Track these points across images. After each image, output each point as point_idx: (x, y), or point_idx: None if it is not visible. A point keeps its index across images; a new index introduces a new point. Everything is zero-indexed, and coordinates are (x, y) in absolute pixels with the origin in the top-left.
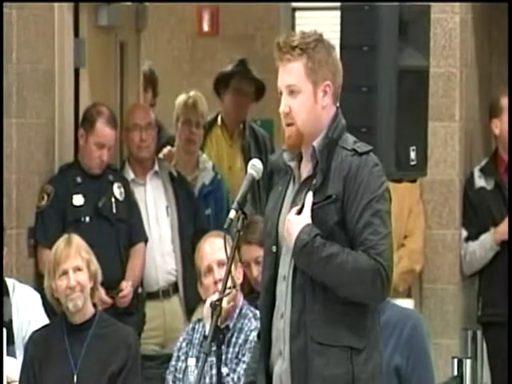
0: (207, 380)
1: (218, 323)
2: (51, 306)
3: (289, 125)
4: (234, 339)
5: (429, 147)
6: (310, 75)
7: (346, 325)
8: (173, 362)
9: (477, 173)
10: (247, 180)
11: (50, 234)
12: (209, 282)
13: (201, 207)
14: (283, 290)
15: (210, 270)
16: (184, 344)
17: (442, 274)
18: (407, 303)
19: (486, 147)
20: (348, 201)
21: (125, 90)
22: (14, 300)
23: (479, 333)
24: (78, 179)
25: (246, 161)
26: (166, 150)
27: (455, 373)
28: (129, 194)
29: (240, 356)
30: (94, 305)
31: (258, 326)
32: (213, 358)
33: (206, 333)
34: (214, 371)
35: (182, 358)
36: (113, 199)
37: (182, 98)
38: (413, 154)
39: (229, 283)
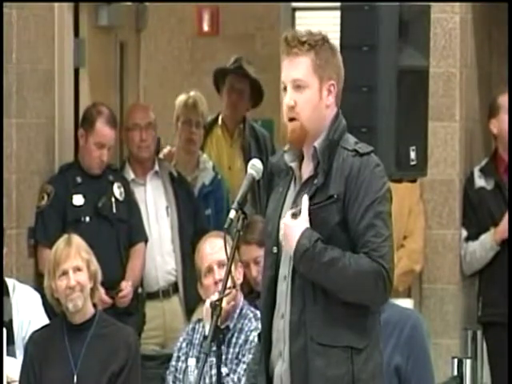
0: (207, 380)
1: (218, 323)
2: (51, 306)
3: (291, 119)
4: (234, 339)
5: (429, 147)
6: (317, 71)
7: (346, 325)
8: (173, 362)
9: (477, 173)
10: (247, 180)
11: (50, 234)
12: (209, 282)
13: (201, 207)
14: (283, 290)
15: (210, 270)
16: (184, 344)
17: (441, 274)
18: (407, 303)
19: (486, 147)
20: (350, 201)
21: (125, 90)
22: (14, 300)
23: (479, 333)
24: (78, 179)
25: (246, 161)
26: (166, 149)
27: (455, 373)
28: (129, 193)
29: (240, 356)
30: (94, 305)
31: (259, 326)
32: (213, 358)
33: (206, 333)
34: (214, 371)
35: (182, 358)
36: (113, 199)
37: (182, 97)
38: (413, 154)
39: (229, 283)
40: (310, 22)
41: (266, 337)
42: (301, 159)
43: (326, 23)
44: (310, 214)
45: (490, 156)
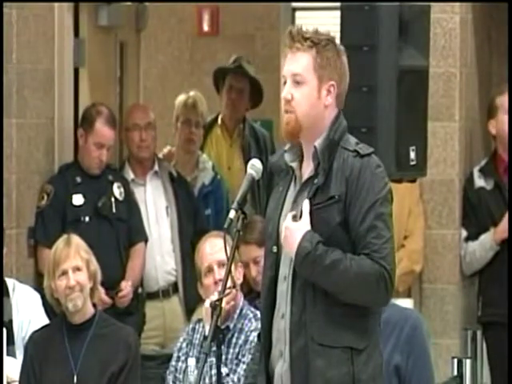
0: (207, 380)
1: (218, 323)
2: (51, 306)
3: (287, 112)
4: (234, 340)
5: (429, 147)
6: (317, 70)
7: (346, 325)
8: (173, 363)
9: (476, 173)
10: (247, 180)
11: (49, 234)
12: (209, 282)
13: (201, 207)
14: (284, 290)
15: (210, 270)
16: (184, 344)
17: (441, 274)
18: (407, 303)
19: (486, 147)
20: (351, 202)
21: (125, 90)
22: (14, 300)
23: (479, 333)
24: (78, 179)
25: (246, 161)
26: (166, 149)
27: (455, 373)
28: (129, 193)
29: (240, 357)
30: (94, 305)
31: (259, 326)
32: (213, 359)
33: (206, 333)
34: (214, 371)
35: (182, 358)
36: (113, 199)
37: (181, 97)
38: (413, 154)
39: (229, 283)
40: (310, 22)
41: (266, 337)
42: (301, 159)
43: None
44: (310, 215)
45: (490, 156)
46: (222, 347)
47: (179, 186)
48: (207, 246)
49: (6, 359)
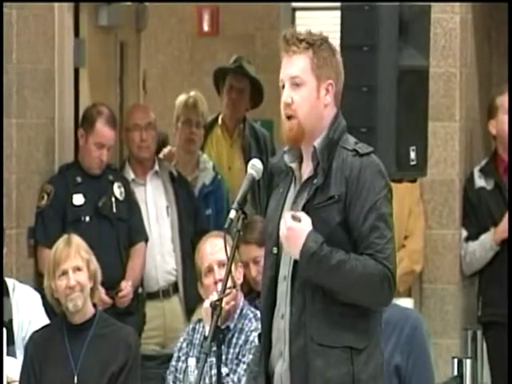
0: (207, 380)
1: (218, 323)
2: (51, 306)
3: (289, 117)
4: (234, 340)
5: (429, 147)
6: (315, 70)
7: (346, 325)
8: (173, 363)
9: (477, 173)
10: (247, 180)
11: (50, 234)
12: (209, 282)
13: (201, 207)
14: (284, 290)
15: (210, 270)
16: (184, 344)
17: (442, 273)
18: (407, 303)
19: (486, 147)
20: (351, 202)
21: (125, 90)
22: (14, 300)
23: (479, 333)
24: (78, 179)
25: (246, 161)
26: (166, 149)
27: (455, 373)
28: (129, 193)
29: (240, 357)
30: (94, 305)
31: (259, 326)
32: (213, 359)
33: (207, 333)
34: (214, 371)
35: (183, 358)
36: (113, 199)
37: (182, 97)
38: (413, 154)
39: (229, 283)
40: (310, 22)
41: (266, 336)
42: (301, 159)
43: (326, 23)
44: (309, 214)
45: (490, 156)
46: (222, 347)
47: (180, 186)
48: (207, 246)
49: (6, 359)
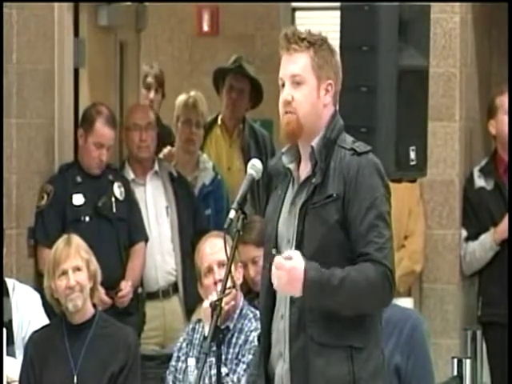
0: (207, 380)
1: (218, 323)
2: (51, 306)
3: (287, 112)
4: (234, 340)
5: (429, 147)
6: (316, 69)
7: (346, 324)
8: (173, 363)
9: (476, 173)
10: (247, 180)
11: (49, 234)
12: (209, 282)
13: (201, 207)
14: None
15: (210, 270)
16: (184, 344)
17: (442, 274)
18: (407, 302)
19: (486, 147)
20: (349, 201)
21: (125, 90)
22: (14, 300)
23: (479, 333)
24: (78, 179)
25: (246, 161)
26: (166, 150)
27: (455, 373)
28: (129, 193)
29: (240, 356)
30: (94, 305)
31: (259, 326)
32: (212, 359)
33: (206, 333)
34: (214, 371)
35: (182, 358)
36: (113, 199)
37: (182, 97)
38: (413, 154)
39: (229, 283)
40: (309, 22)
41: (265, 338)
42: (299, 160)
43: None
44: (308, 213)
45: (490, 156)
46: (222, 347)
47: (179, 186)
48: (207, 247)
49: (6, 359)
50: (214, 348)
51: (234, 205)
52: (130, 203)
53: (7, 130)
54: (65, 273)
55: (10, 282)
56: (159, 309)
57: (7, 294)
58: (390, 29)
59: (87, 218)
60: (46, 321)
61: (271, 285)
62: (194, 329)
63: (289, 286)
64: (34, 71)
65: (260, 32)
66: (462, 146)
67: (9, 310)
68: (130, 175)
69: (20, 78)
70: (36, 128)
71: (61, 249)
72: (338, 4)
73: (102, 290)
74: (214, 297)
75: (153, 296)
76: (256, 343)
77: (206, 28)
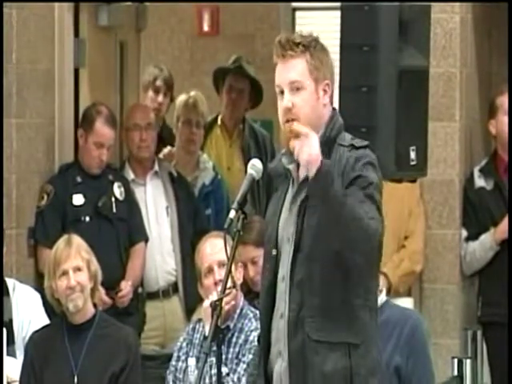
0: (207, 380)
1: (218, 323)
2: (51, 306)
3: (289, 121)
4: (234, 339)
5: (429, 147)
6: (313, 72)
7: (342, 321)
8: (173, 362)
9: (476, 173)
10: (247, 180)
11: (49, 234)
12: (209, 282)
13: (201, 207)
14: (282, 290)
15: (210, 270)
16: (184, 344)
17: (442, 274)
18: (407, 302)
19: (486, 147)
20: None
21: (125, 90)
22: (14, 300)
23: (479, 333)
24: (78, 179)
25: (246, 161)
26: (166, 149)
27: (455, 373)
28: (129, 193)
29: (240, 356)
30: (95, 305)
31: (259, 326)
32: (212, 358)
33: (206, 333)
34: (214, 371)
35: (183, 357)
36: (113, 199)
37: (182, 98)
38: (413, 154)
39: (229, 283)
40: (310, 22)
41: (265, 338)
42: (298, 161)
43: (326, 23)
44: (306, 212)
45: (490, 156)
46: (222, 347)
47: (179, 186)
48: (207, 247)
49: (6, 359)
50: (215, 348)
51: (234, 205)
52: (130, 203)
53: (7, 130)
54: (65, 273)
55: (10, 282)
56: (159, 309)
57: (7, 294)
58: (390, 29)
59: (87, 218)
60: (46, 321)
61: (271, 285)
62: (194, 328)
63: (311, 151)
64: (33, 71)
65: (260, 32)
66: (462, 146)
67: (9, 310)
68: (130, 175)
69: (20, 78)
70: (36, 128)
71: (61, 249)
72: (338, 4)
73: (102, 290)
74: (214, 297)
75: (153, 296)
76: (256, 343)
77: (206, 28)
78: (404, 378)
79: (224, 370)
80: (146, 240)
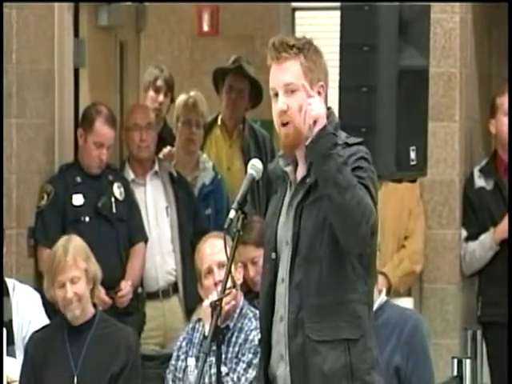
0: (206, 379)
1: (218, 323)
2: (51, 306)
3: (284, 124)
4: (234, 339)
5: (429, 147)
6: (307, 74)
7: (341, 317)
8: (173, 362)
9: (476, 173)
10: (247, 180)
11: (49, 234)
12: (209, 283)
13: (201, 207)
14: (282, 292)
15: (210, 271)
16: (184, 343)
17: (442, 274)
18: (407, 302)
19: (486, 147)
20: None
21: (125, 90)
22: (14, 300)
23: (479, 333)
24: (78, 179)
25: (246, 161)
26: (166, 149)
27: (455, 373)
28: (129, 193)
29: (240, 356)
30: (94, 305)
31: (259, 325)
32: (212, 358)
33: (206, 332)
34: (214, 370)
35: (182, 357)
36: (113, 199)
37: (182, 98)
38: (413, 154)
39: (229, 283)
40: (309, 22)
41: (265, 341)
42: (296, 164)
43: (326, 23)
44: (303, 212)
45: (490, 156)
46: (222, 346)
47: (179, 187)
48: (207, 247)
49: (6, 359)
50: (214, 347)
51: (234, 205)
52: (130, 203)
53: (7, 130)
54: (62, 285)
55: (10, 282)
56: (159, 309)
57: (7, 294)
58: (390, 29)
59: (87, 219)
60: (46, 321)
61: (270, 289)
62: (194, 328)
63: (319, 109)
64: (33, 71)
65: (260, 32)
66: (462, 146)
67: (9, 310)
68: (130, 175)
69: (20, 78)
70: (36, 128)
71: (58, 258)
72: (338, 4)
73: (102, 290)
74: (214, 297)
75: (153, 296)
76: (256, 342)
77: (206, 28)
78: (404, 378)
79: (223, 369)
80: (146, 240)
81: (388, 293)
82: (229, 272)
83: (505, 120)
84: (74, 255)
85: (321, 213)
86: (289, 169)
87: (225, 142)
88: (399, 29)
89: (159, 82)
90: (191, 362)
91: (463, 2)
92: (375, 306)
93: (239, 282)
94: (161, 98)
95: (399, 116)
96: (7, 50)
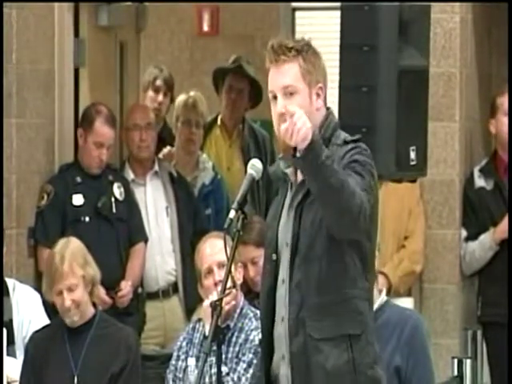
0: (207, 379)
1: (219, 323)
2: (51, 306)
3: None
4: (234, 339)
5: (429, 147)
6: (306, 76)
7: (342, 314)
8: (173, 362)
9: (476, 173)
10: (247, 180)
11: (49, 234)
12: (209, 283)
13: (201, 207)
14: (282, 293)
15: (210, 271)
16: (184, 343)
17: (442, 274)
18: (407, 302)
19: (486, 147)
20: None
21: (125, 90)
22: (14, 300)
23: (479, 333)
24: (78, 179)
25: (246, 161)
26: (166, 149)
27: (455, 373)
28: (129, 193)
29: (240, 355)
30: (94, 305)
31: (259, 325)
32: (212, 358)
33: (206, 332)
34: (214, 370)
35: (182, 357)
36: (113, 199)
37: (181, 98)
38: (413, 154)
39: (229, 283)
40: (310, 22)
41: (266, 341)
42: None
43: (326, 23)
44: (303, 212)
45: (490, 156)
46: (222, 346)
47: (179, 187)
48: (207, 247)
49: (7, 359)
50: (215, 347)
51: (234, 205)
52: (130, 203)
53: (7, 130)
54: (60, 293)
55: (10, 282)
56: (159, 309)
57: (7, 294)
58: (390, 29)
59: (87, 219)
60: (46, 321)
61: (271, 290)
62: (194, 328)
63: (303, 128)
64: (33, 71)
65: (260, 32)
66: (462, 146)
67: (9, 310)
68: (130, 175)
69: (20, 78)
70: (36, 128)
71: (55, 266)
72: (338, 4)
73: (102, 290)
74: (214, 297)
75: (153, 296)
76: (256, 342)
77: (206, 28)
78: (404, 379)
79: (224, 369)
80: (146, 240)
81: (388, 293)
82: (229, 272)
83: (505, 120)
84: (71, 262)
85: (319, 211)
86: (289, 171)
87: (224, 141)
88: (399, 29)
89: (159, 82)
90: (191, 361)
91: (463, 1)
92: (375, 306)
93: (239, 282)
94: (160, 97)
95: (399, 116)
96: (7, 50)
